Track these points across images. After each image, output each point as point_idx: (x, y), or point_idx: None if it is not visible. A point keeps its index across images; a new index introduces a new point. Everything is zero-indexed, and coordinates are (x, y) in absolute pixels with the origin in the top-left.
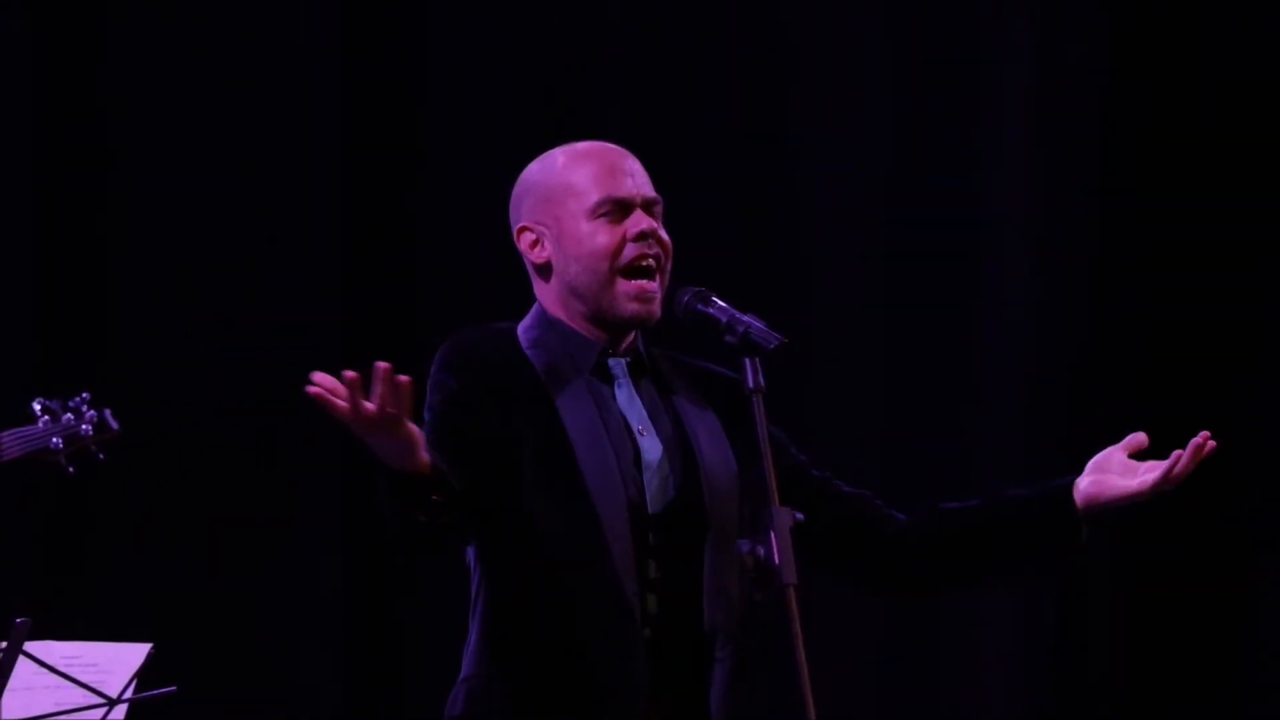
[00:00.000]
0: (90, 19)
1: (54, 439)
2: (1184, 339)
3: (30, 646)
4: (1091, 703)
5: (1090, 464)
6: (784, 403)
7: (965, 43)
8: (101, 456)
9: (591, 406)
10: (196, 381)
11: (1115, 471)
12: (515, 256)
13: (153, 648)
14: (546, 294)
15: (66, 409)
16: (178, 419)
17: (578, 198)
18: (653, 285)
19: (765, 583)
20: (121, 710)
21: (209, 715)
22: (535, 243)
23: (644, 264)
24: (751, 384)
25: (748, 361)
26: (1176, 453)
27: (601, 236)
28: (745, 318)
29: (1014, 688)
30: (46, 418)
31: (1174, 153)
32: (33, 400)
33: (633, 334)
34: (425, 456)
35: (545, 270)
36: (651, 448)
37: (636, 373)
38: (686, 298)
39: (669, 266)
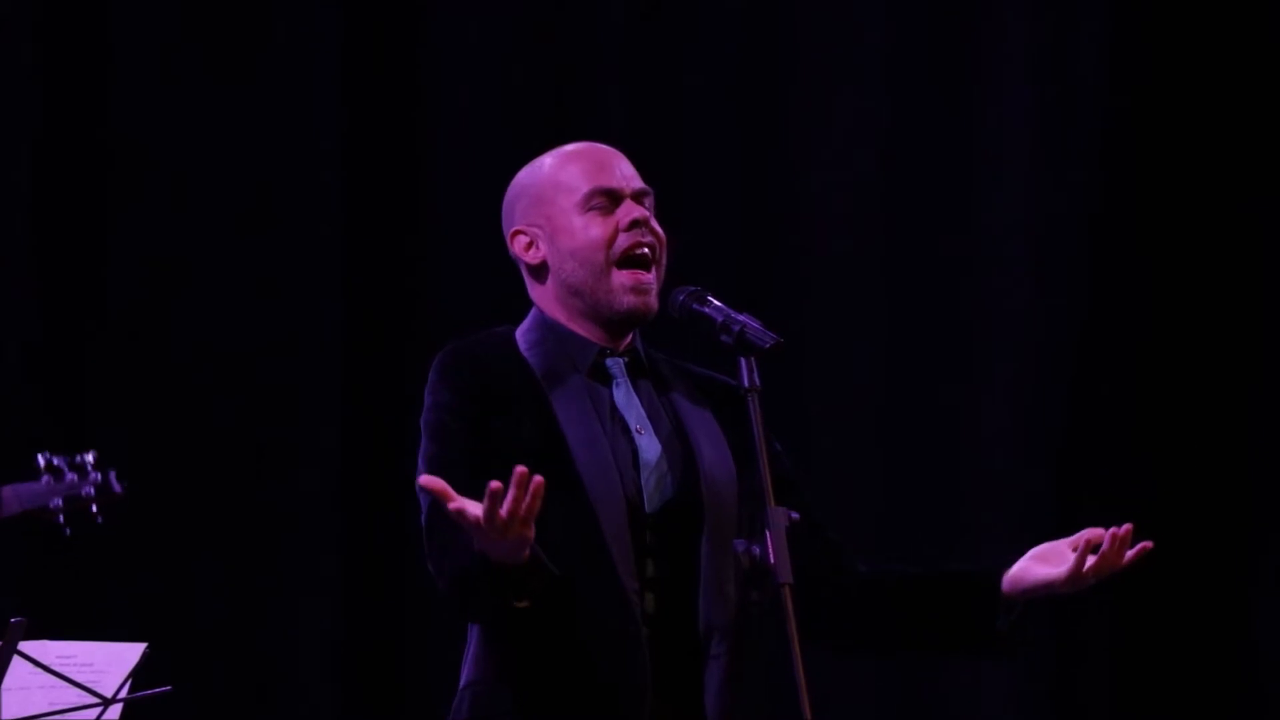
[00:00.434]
0: (93, 17)
1: (55, 499)
2: (1182, 340)
3: (25, 646)
4: (1089, 705)
5: (1031, 551)
6: (780, 403)
7: (963, 43)
8: (100, 520)
9: (589, 407)
10: (194, 382)
11: (1050, 561)
12: (514, 263)
13: (148, 647)
14: (543, 296)
15: (72, 466)
16: (175, 419)
17: (568, 193)
18: (648, 276)
19: (761, 582)
20: (117, 710)
21: (204, 715)
22: (529, 244)
23: (639, 253)
24: (747, 383)
25: (743, 361)
26: (1091, 534)
27: (594, 229)
28: (741, 317)
29: (1011, 685)
30: (49, 476)
31: (1173, 154)
32: (38, 454)
33: (631, 334)
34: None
35: (541, 271)
36: (649, 447)
37: (635, 373)
38: (682, 297)
39: (664, 259)
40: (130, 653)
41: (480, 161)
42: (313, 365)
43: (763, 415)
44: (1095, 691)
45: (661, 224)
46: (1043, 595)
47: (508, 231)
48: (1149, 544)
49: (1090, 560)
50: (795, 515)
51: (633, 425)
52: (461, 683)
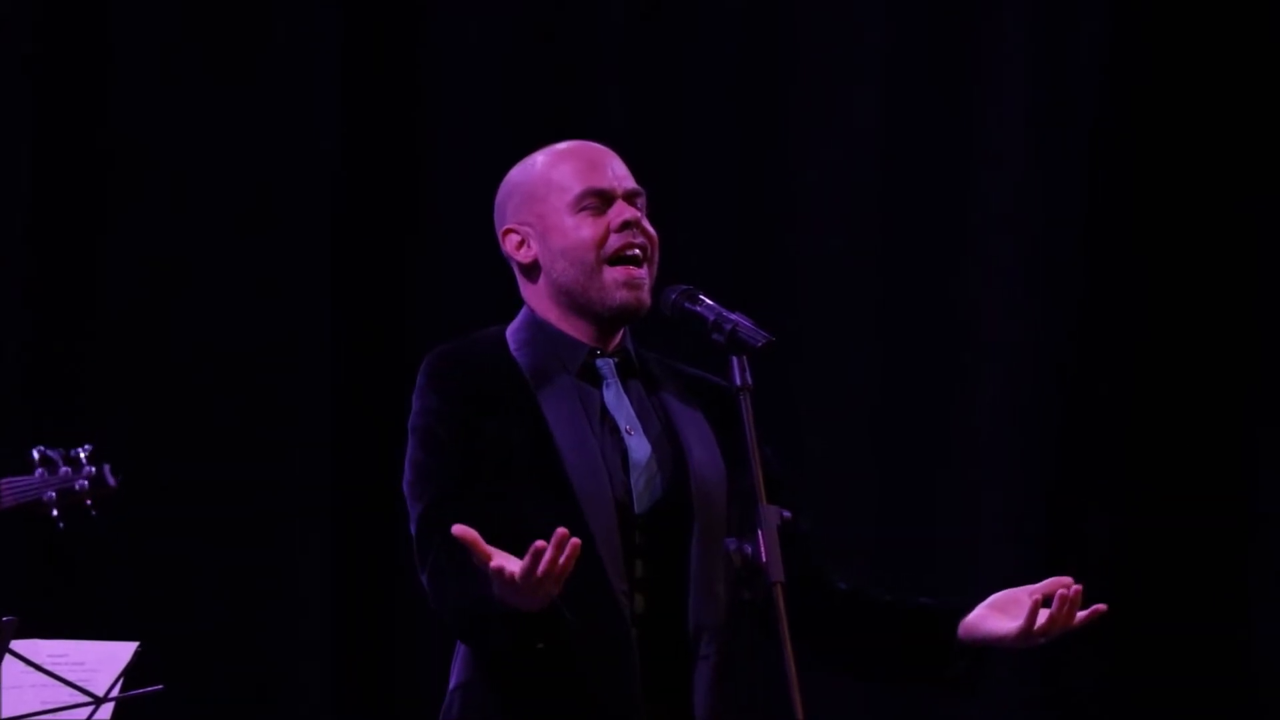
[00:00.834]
0: (92, 16)
1: (48, 492)
2: (1177, 339)
3: (17, 645)
4: (1082, 700)
5: (992, 598)
6: (772, 403)
7: (962, 43)
8: (95, 513)
9: (578, 407)
10: (190, 381)
11: (1007, 611)
12: (499, 257)
13: (140, 646)
14: (534, 295)
15: (66, 460)
16: (170, 419)
17: (560, 193)
18: (640, 272)
19: (753, 581)
20: (108, 709)
21: (196, 714)
22: (521, 243)
23: (630, 253)
24: (739, 382)
25: (735, 360)
26: (1054, 583)
27: (586, 229)
28: (733, 316)
29: (1006, 686)
30: (43, 469)
31: (1169, 154)
32: (33, 448)
33: (621, 333)
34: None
35: (532, 270)
36: (639, 447)
37: (624, 373)
38: (674, 296)
39: (656, 257)
40: (122, 652)
41: (480, 162)
42: (309, 365)
43: (754, 414)
44: (1090, 692)
45: (659, 223)
46: (995, 647)
47: (499, 229)
48: (1103, 607)
49: (1043, 617)
50: (787, 514)
51: (622, 426)
52: (451, 684)
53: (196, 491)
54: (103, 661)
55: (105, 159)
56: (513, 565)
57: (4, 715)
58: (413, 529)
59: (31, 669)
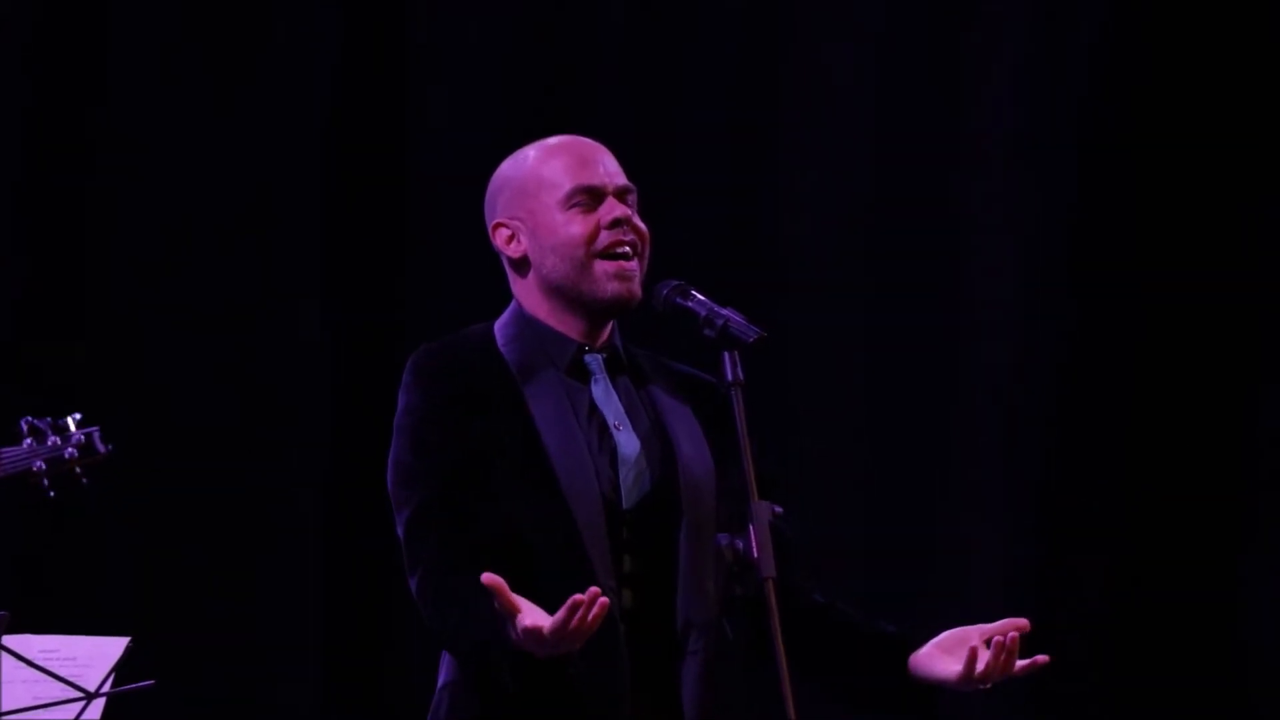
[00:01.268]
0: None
1: (37, 462)
2: (1172, 343)
3: (8, 640)
4: (1076, 694)
5: (942, 635)
6: (763, 401)
7: (960, 43)
8: (85, 480)
9: (565, 404)
10: (180, 378)
11: (953, 653)
12: (496, 257)
13: (131, 642)
14: (524, 290)
15: (55, 429)
16: (162, 415)
17: (550, 189)
18: (631, 264)
19: (744, 577)
20: (100, 704)
21: (187, 709)
22: (511, 238)
23: (620, 250)
24: (730, 377)
25: (727, 355)
26: (1010, 624)
27: (576, 225)
28: (725, 311)
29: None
30: (31, 439)
31: (1163, 156)
32: (21, 418)
33: (609, 328)
34: None
35: (522, 265)
36: (628, 442)
37: (613, 369)
38: (666, 291)
39: (647, 253)
40: (114, 647)
41: (480, 162)
42: (305, 363)
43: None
44: (1083, 691)
45: (657, 221)
46: (941, 687)
47: (489, 223)
48: (1043, 659)
49: (984, 661)
50: (779, 509)
51: (611, 422)
52: (440, 682)
53: (189, 487)
54: (94, 657)
55: (102, 153)
56: (543, 621)
57: None
58: (400, 532)
59: (22, 664)
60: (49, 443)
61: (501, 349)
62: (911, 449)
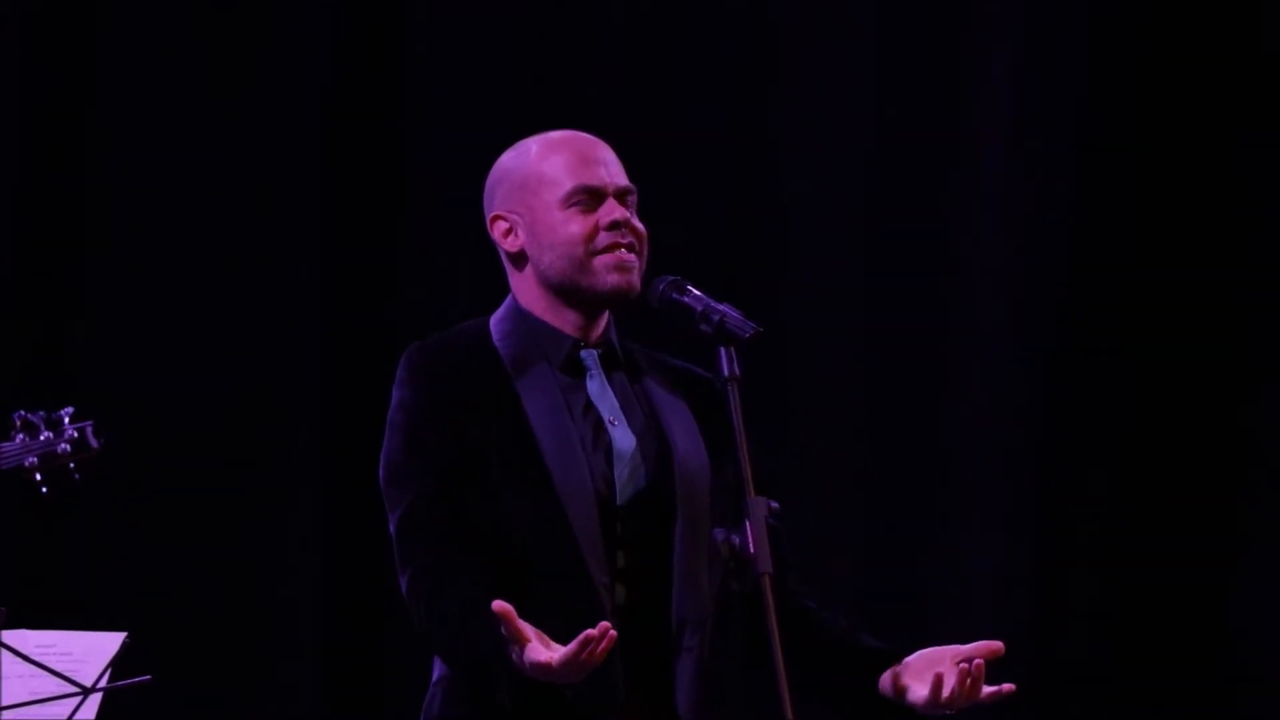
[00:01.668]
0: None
1: (29, 458)
2: (1163, 337)
3: (4, 635)
4: (1072, 695)
5: (915, 655)
6: (762, 398)
7: (958, 43)
8: (78, 476)
9: (559, 399)
10: (177, 373)
11: (921, 677)
12: (495, 256)
13: (128, 637)
14: (520, 283)
15: (48, 423)
16: (159, 411)
17: (550, 187)
18: (631, 256)
19: (741, 572)
20: (96, 699)
21: (184, 705)
22: (509, 231)
23: (618, 251)
24: (727, 373)
25: (723, 350)
26: (983, 647)
27: (575, 224)
28: (721, 306)
29: (995, 671)
30: (23, 435)
31: (1159, 156)
32: (14, 412)
33: (605, 324)
34: None
35: (519, 259)
36: (623, 438)
37: (608, 364)
38: (662, 286)
39: (645, 252)
40: (110, 642)
41: (480, 163)
42: (305, 363)
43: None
44: (1081, 691)
45: (656, 221)
46: (908, 707)
47: (488, 214)
48: (1010, 687)
49: (949, 687)
50: (775, 504)
51: (606, 417)
52: (434, 677)
53: (189, 486)
54: (90, 652)
55: (101, 152)
56: (549, 656)
57: None
58: (391, 530)
59: (19, 659)
60: (42, 438)
61: (496, 344)
62: (909, 448)
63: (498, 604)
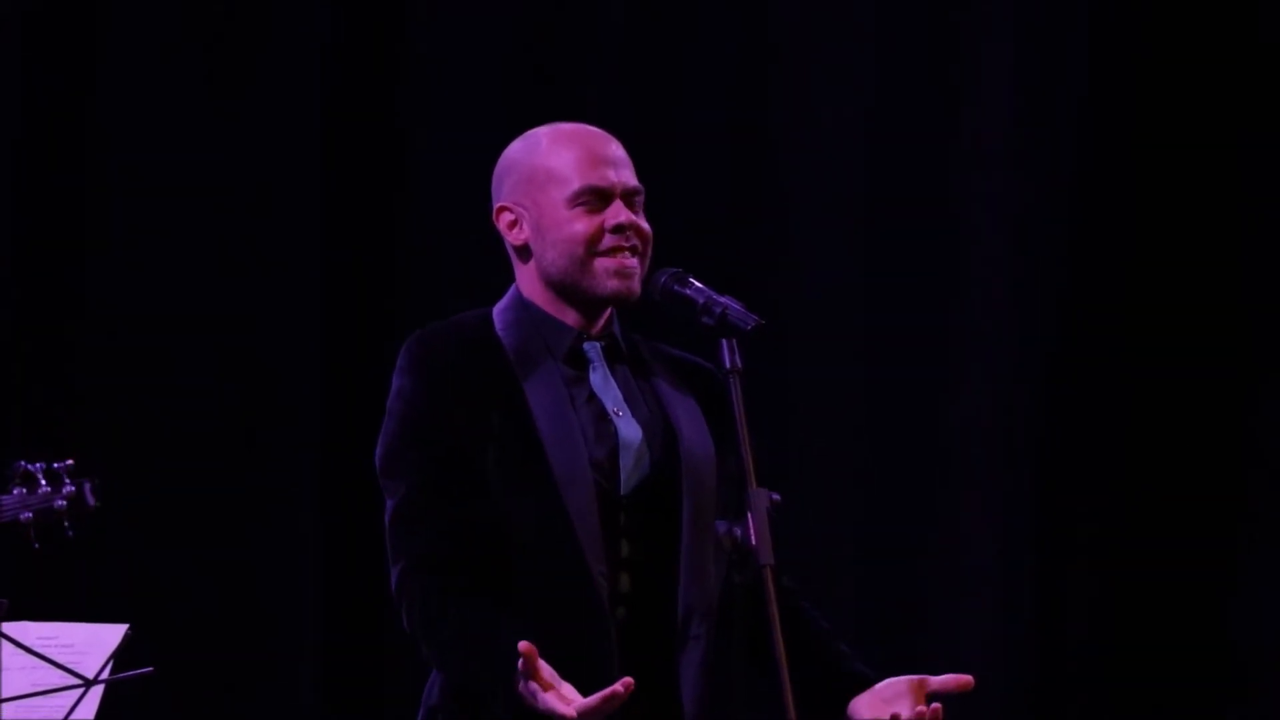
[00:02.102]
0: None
1: (24, 514)
2: (1162, 333)
3: (6, 627)
4: (1071, 694)
5: (884, 682)
6: (762, 397)
7: (955, 42)
8: (71, 534)
9: (562, 392)
10: (177, 373)
11: (882, 711)
12: (496, 240)
13: (129, 629)
14: (524, 275)
15: (47, 475)
16: (158, 405)
17: (558, 185)
18: (632, 261)
19: (743, 564)
20: (97, 692)
21: (184, 705)
22: (514, 223)
23: (621, 254)
24: (729, 365)
25: (725, 343)
26: (954, 681)
27: (580, 223)
28: (723, 299)
29: (993, 673)
30: (22, 488)
31: (1156, 163)
32: (14, 462)
33: (608, 315)
34: None
35: (523, 252)
36: (628, 428)
37: (611, 356)
38: (664, 279)
39: (649, 254)
40: (112, 634)
41: (480, 163)
42: (301, 360)
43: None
44: (1080, 690)
45: (655, 221)
46: None
47: (494, 204)
48: (969, 678)
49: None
50: (777, 497)
51: (610, 409)
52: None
53: (186, 483)
54: (92, 644)
55: (101, 152)
56: (567, 709)
57: None
58: (386, 519)
59: (20, 651)
60: (39, 492)
61: (500, 334)
62: (909, 448)
63: (524, 645)
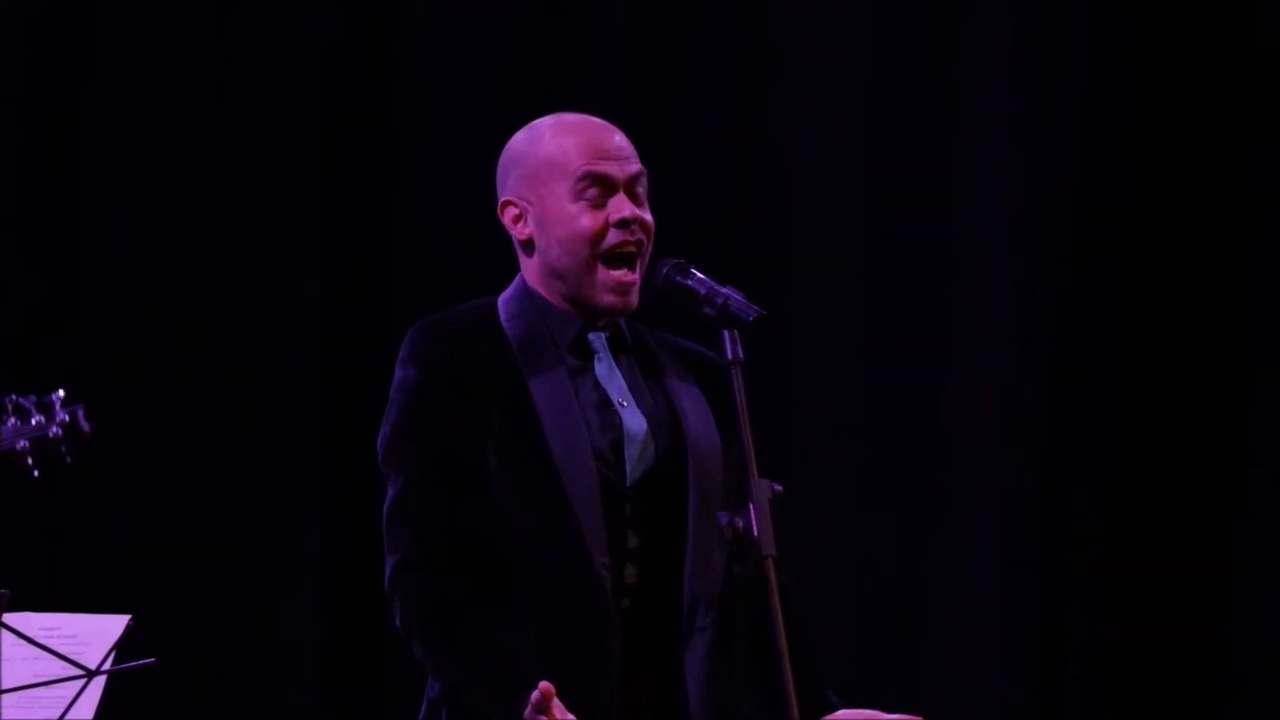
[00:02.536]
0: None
1: (20, 442)
2: (1163, 329)
3: (7, 618)
4: (1071, 693)
5: (841, 713)
6: (762, 395)
7: (954, 42)
8: (69, 460)
9: (566, 383)
10: (178, 373)
11: None
12: (499, 232)
13: (132, 619)
14: (529, 268)
15: (40, 406)
16: (158, 395)
17: (560, 175)
18: (631, 276)
19: (745, 555)
20: (100, 683)
21: (184, 706)
22: (518, 218)
23: (625, 250)
24: (730, 355)
25: (726, 333)
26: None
27: (584, 220)
28: (724, 289)
29: (993, 672)
30: (15, 419)
31: (1156, 162)
32: (5, 396)
33: None
34: None
35: (528, 246)
36: (633, 419)
37: (617, 346)
38: (666, 270)
39: (650, 248)
40: (114, 625)
41: (480, 163)
42: (301, 360)
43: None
44: (1077, 685)
45: (655, 221)
46: None
47: (499, 198)
48: None
49: None
50: (778, 488)
51: (615, 399)
52: None
53: (186, 483)
54: (94, 635)
55: (100, 152)
56: None
57: None
58: (384, 509)
59: (22, 641)
60: (34, 421)
61: (504, 324)
62: (910, 446)
63: (544, 685)
